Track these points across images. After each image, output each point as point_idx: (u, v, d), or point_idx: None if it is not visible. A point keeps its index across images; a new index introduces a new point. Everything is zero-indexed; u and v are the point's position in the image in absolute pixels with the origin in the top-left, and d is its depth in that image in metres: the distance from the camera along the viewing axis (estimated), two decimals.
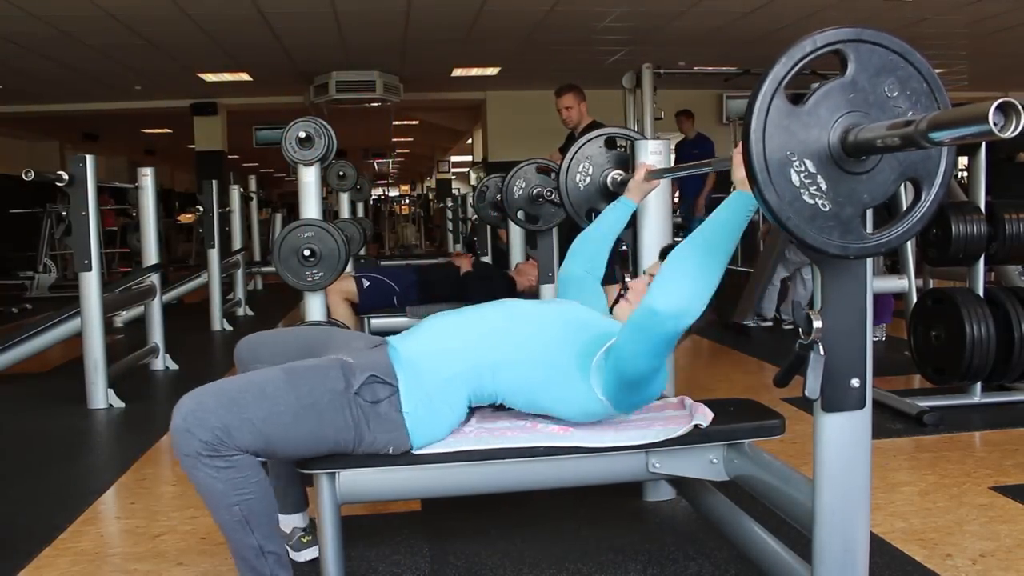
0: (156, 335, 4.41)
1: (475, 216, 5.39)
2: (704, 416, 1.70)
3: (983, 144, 2.99)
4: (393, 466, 1.60)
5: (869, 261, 1.31)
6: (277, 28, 7.33)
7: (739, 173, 1.38)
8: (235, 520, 1.46)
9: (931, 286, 3.79)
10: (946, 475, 2.42)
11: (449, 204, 9.81)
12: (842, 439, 1.37)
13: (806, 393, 1.29)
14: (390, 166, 21.63)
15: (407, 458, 1.59)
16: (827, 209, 1.15)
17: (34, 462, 2.82)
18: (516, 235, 4.42)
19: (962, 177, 5.51)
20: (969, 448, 2.72)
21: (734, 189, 1.47)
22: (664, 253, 1.81)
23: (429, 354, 1.64)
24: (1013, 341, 3.00)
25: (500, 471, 1.65)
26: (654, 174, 2.02)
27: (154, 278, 4.40)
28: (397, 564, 1.90)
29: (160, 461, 2.80)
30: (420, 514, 2.20)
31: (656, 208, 2.19)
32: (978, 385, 3.16)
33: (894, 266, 4.57)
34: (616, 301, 1.89)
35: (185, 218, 13.82)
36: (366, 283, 3.97)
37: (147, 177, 4.45)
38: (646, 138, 2.18)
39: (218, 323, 6.01)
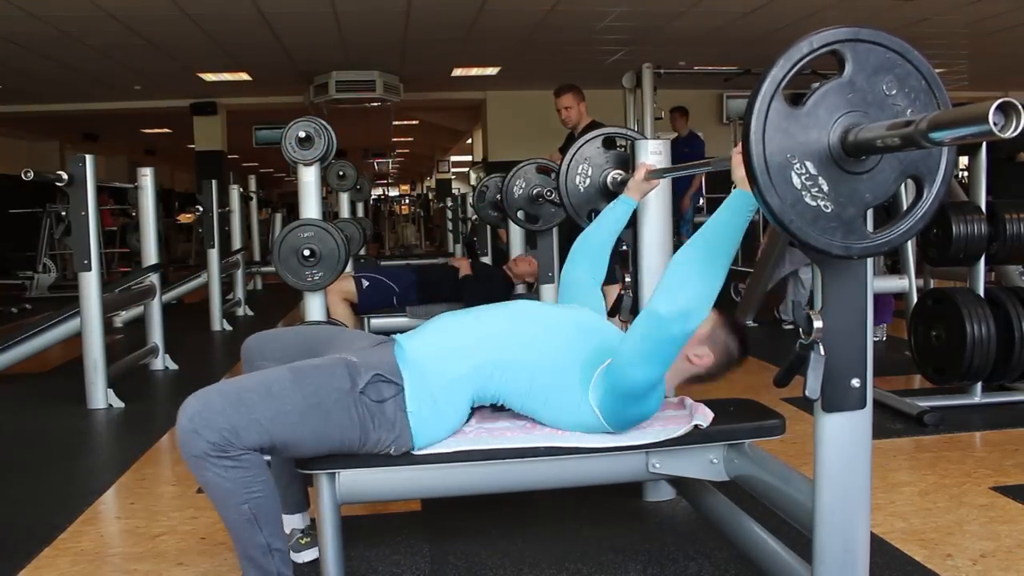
0: (156, 335, 4.41)
1: (475, 216, 5.38)
2: (704, 416, 1.70)
3: (983, 144, 2.99)
4: (393, 466, 1.60)
5: (869, 261, 1.31)
6: (277, 28, 7.32)
7: (739, 172, 1.38)
8: (244, 519, 1.47)
9: (931, 286, 3.79)
10: (946, 475, 2.42)
11: (449, 204, 9.80)
12: (842, 439, 1.37)
13: (806, 393, 1.29)
14: (390, 166, 21.62)
15: (407, 458, 1.59)
16: (829, 210, 1.15)
17: (34, 462, 2.82)
18: (516, 235, 4.42)
19: (963, 177, 5.50)
20: (969, 448, 2.72)
21: (734, 187, 1.46)
22: None
23: (436, 354, 1.63)
24: (1013, 341, 3.00)
25: (500, 471, 1.65)
26: (654, 174, 2.02)
27: (154, 278, 4.40)
28: (397, 564, 1.90)
29: (160, 461, 2.80)
30: (420, 514, 2.20)
31: (656, 207, 2.18)
32: (978, 385, 3.15)
33: (894, 266, 4.57)
34: (616, 302, 1.89)
35: (185, 218, 13.83)
36: (365, 283, 3.98)
37: (147, 177, 4.44)
38: (646, 138, 2.18)
39: (218, 323, 6.01)
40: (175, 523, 2.19)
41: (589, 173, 2.32)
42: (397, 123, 14.56)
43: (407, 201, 21.77)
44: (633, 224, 2.16)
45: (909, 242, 3.78)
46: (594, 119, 4.77)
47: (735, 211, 1.44)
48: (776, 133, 1.12)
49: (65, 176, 3.51)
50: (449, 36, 7.91)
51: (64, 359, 4.68)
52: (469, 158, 18.62)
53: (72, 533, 2.13)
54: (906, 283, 3.76)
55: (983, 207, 3.09)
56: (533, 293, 4.07)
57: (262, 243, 9.89)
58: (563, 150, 2.94)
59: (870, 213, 1.25)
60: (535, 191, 3.33)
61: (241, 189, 7.70)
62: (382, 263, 7.09)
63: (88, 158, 3.55)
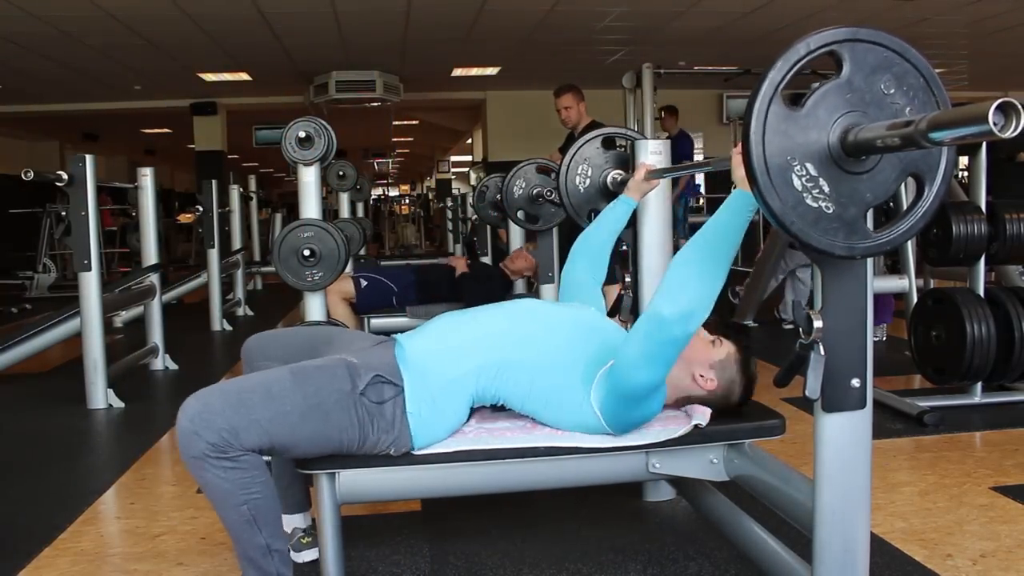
0: (156, 335, 4.41)
1: (475, 216, 5.38)
2: (703, 415, 1.69)
3: (983, 144, 2.99)
4: (393, 466, 1.60)
5: (870, 261, 1.31)
6: (277, 28, 7.32)
7: (739, 172, 1.38)
8: (243, 519, 1.47)
9: (931, 286, 3.79)
10: (946, 475, 2.42)
11: (449, 204, 9.80)
12: (842, 439, 1.37)
13: (806, 393, 1.29)
14: (390, 166, 21.62)
15: (407, 458, 1.59)
16: (831, 211, 1.15)
17: (34, 462, 2.82)
18: (516, 235, 4.42)
19: (962, 177, 5.50)
20: (969, 448, 2.72)
21: (735, 187, 1.46)
22: None
23: (436, 354, 1.63)
24: (1013, 341, 3.00)
25: (500, 471, 1.65)
26: (654, 174, 2.02)
27: (154, 278, 4.40)
28: (397, 564, 1.90)
29: (160, 461, 2.80)
30: (420, 514, 2.20)
31: (656, 207, 2.18)
32: (978, 385, 3.15)
33: (894, 266, 4.57)
34: (616, 302, 1.88)
35: (185, 218, 13.83)
36: (363, 283, 3.97)
37: (147, 177, 4.45)
38: (646, 138, 2.18)
39: (218, 323, 6.01)
40: (175, 523, 2.19)
41: (589, 173, 2.32)
42: (397, 123, 14.56)
43: (407, 201, 21.77)
44: (633, 224, 2.16)
45: (909, 242, 3.78)
46: (594, 119, 4.77)
47: (735, 211, 1.44)
48: (776, 135, 1.12)
49: (65, 176, 3.51)
50: (449, 36, 7.91)
51: (64, 359, 4.68)
52: (469, 158, 18.62)
53: (72, 533, 2.14)
54: (906, 283, 3.76)
55: (983, 207, 3.09)
56: (533, 292, 4.07)
57: (262, 243, 9.89)
58: (563, 150, 2.94)
59: (870, 212, 1.25)
60: (535, 191, 3.34)
61: (241, 189, 7.70)
62: (382, 263, 7.08)
63: (88, 158, 3.55)
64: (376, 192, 22.49)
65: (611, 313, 2.13)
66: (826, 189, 1.15)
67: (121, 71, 8.91)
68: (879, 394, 3.18)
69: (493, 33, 7.79)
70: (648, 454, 1.70)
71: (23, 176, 3.45)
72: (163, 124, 13.57)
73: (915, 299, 3.50)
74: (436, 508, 2.22)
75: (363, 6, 6.74)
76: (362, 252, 6.16)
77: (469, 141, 16.78)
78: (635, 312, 2.20)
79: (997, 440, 2.79)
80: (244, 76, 9.60)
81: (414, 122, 15.11)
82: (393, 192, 24.54)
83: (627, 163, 2.25)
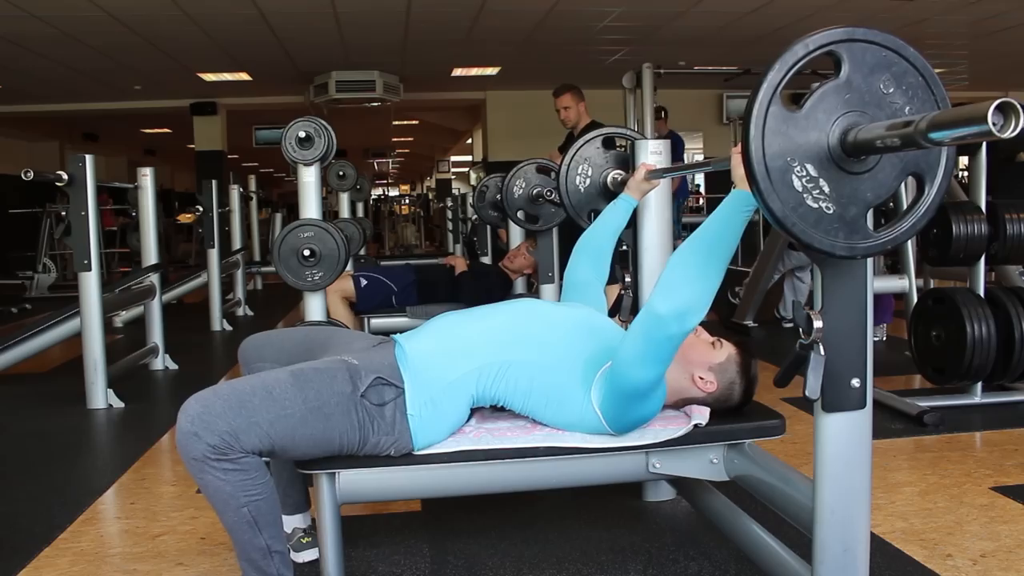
0: (156, 335, 4.41)
1: (475, 216, 5.38)
2: (702, 415, 1.69)
3: (983, 144, 3.00)
4: (393, 466, 1.60)
5: (870, 261, 1.31)
6: (277, 28, 7.32)
7: (739, 171, 1.38)
8: (244, 521, 1.47)
9: (931, 286, 3.79)
10: (946, 475, 2.42)
11: (449, 204, 9.80)
12: (842, 439, 1.37)
13: (806, 393, 1.29)
14: (390, 166, 21.64)
15: (407, 458, 1.59)
16: (831, 211, 1.15)
17: (34, 462, 2.82)
18: (516, 235, 4.42)
19: (963, 177, 5.49)
20: (969, 448, 2.72)
21: (734, 187, 1.47)
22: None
23: (437, 355, 1.63)
24: (1013, 341, 3.00)
25: (500, 471, 1.65)
26: (654, 174, 2.02)
27: (154, 278, 4.40)
28: (397, 564, 1.90)
29: (160, 461, 2.80)
30: (420, 514, 2.20)
31: (656, 207, 2.18)
32: (978, 385, 3.16)
33: (894, 266, 4.57)
34: (616, 302, 1.88)
35: (185, 218, 13.82)
36: (364, 282, 3.97)
37: (147, 177, 4.45)
38: (646, 138, 2.18)
39: (218, 323, 6.00)
40: (175, 523, 2.19)
41: (589, 173, 2.32)
42: (397, 123, 14.56)
43: (407, 201, 21.78)
44: (633, 224, 2.16)
45: (909, 242, 3.78)
46: (594, 119, 4.77)
47: (734, 210, 1.44)
48: (775, 137, 1.12)
49: (65, 176, 3.51)
50: (449, 36, 7.91)
51: (64, 359, 4.68)
52: (469, 158, 18.63)
53: (72, 533, 2.14)
54: (906, 283, 3.76)
55: (983, 207, 3.09)
56: (533, 292, 4.07)
57: (262, 243, 9.89)
58: (562, 150, 2.95)
59: (871, 212, 1.25)
60: (535, 191, 3.34)
61: (241, 189, 7.70)
62: (382, 263, 7.08)
63: (88, 158, 3.55)
64: (376, 192, 22.51)
65: (611, 313, 2.13)
66: (826, 189, 1.15)
67: (121, 71, 8.91)
68: (879, 394, 3.18)
69: (493, 33, 7.79)
70: (648, 454, 1.70)
71: (23, 176, 3.45)
72: (163, 124, 13.57)
73: (915, 299, 3.50)
74: (436, 508, 2.22)
75: (363, 6, 6.74)
76: (362, 252, 6.15)
77: (469, 141, 16.79)
78: (635, 312, 2.20)
79: (997, 440, 2.79)
80: (244, 76, 9.60)
81: (414, 122, 15.11)
82: (393, 192, 24.55)
83: (627, 163, 2.25)
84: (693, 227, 1.61)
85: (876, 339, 4.57)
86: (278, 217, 10.17)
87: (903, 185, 1.66)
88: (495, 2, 6.72)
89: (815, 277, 1.34)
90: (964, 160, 3.80)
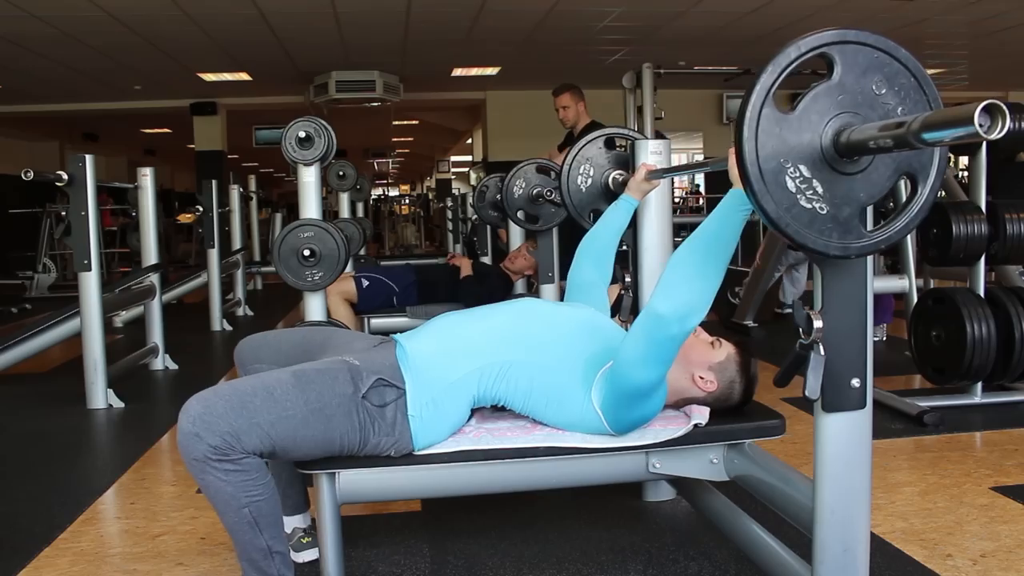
0: (156, 335, 4.41)
1: (475, 216, 5.38)
2: (702, 414, 1.69)
3: (983, 144, 3.00)
4: (393, 466, 1.60)
5: (869, 261, 1.31)
6: (277, 28, 7.32)
7: (735, 171, 1.38)
8: (244, 522, 1.47)
9: (931, 286, 3.79)
10: (946, 475, 2.42)
11: (449, 204, 9.80)
12: (842, 439, 1.37)
13: (806, 393, 1.29)
14: (390, 166, 21.64)
15: (407, 458, 1.59)
16: (825, 212, 1.16)
17: (34, 462, 2.82)
18: (516, 235, 4.42)
19: (963, 177, 5.48)
20: (969, 448, 2.72)
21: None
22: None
23: (438, 355, 1.63)
24: (1013, 341, 3.00)
25: (500, 471, 1.65)
26: (654, 174, 2.02)
27: (154, 278, 4.40)
28: (397, 564, 1.90)
29: (160, 461, 2.80)
30: (420, 514, 2.20)
31: (656, 208, 2.18)
32: (978, 385, 3.16)
33: (894, 266, 4.57)
34: (617, 302, 1.88)
35: (185, 218, 13.82)
36: (365, 283, 3.97)
37: (147, 177, 4.45)
38: (646, 138, 2.18)
39: (218, 323, 6.01)
40: (175, 523, 2.19)
41: (591, 173, 2.32)
42: (397, 123, 14.56)
43: (407, 201, 21.78)
44: (633, 224, 2.16)
45: (909, 242, 3.78)
46: (594, 119, 4.77)
47: (732, 209, 1.44)
48: (768, 138, 1.13)
49: (65, 176, 3.51)
50: (449, 36, 7.91)
51: (64, 359, 4.69)
52: (469, 158, 18.62)
53: (72, 533, 2.14)
54: (906, 283, 3.76)
55: (983, 207, 3.09)
56: (533, 292, 4.07)
57: (262, 243, 9.89)
58: (562, 149, 2.95)
59: (870, 211, 1.25)
60: (535, 191, 3.33)
61: (241, 189, 7.70)
62: (382, 263, 7.09)
63: (88, 158, 3.55)
64: (376, 192, 22.50)
65: (611, 313, 2.13)
66: (820, 190, 1.15)
67: (121, 71, 8.91)
68: (879, 394, 3.18)
69: (493, 33, 7.79)
70: (648, 454, 1.70)
71: (23, 176, 3.45)
72: (163, 124, 13.57)
73: (915, 299, 3.50)
74: (436, 508, 2.22)
75: (363, 6, 6.74)
76: (362, 252, 6.16)
77: (469, 141, 16.78)
78: (635, 312, 2.20)
79: (997, 440, 2.79)
80: (244, 76, 9.60)
81: (414, 122, 15.11)
82: (393, 192, 24.55)
83: (627, 163, 2.25)
84: (691, 227, 1.61)
85: (876, 339, 4.57)
86: (278, 217, 10.17)
87: (903, 185, 1.66)
88: (495, 2, 6.72)
89: (815, 277, 1.35)
90: (964, 160, 3.80)
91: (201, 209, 6.28)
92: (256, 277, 9.06)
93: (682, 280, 1.46)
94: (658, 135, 7.53)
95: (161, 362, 4.39)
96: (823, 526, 1.40)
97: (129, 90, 10.16)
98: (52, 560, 1.97)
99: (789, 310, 4.74)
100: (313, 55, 8.59)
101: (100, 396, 3.53)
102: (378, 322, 3.95)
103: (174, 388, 4.00)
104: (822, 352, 1.29)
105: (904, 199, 1.27)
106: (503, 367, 1.62)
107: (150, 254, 4.48)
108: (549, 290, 3.48)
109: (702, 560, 1.87)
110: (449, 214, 9.59)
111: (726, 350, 1.72)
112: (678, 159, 2.87)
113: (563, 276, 2.29)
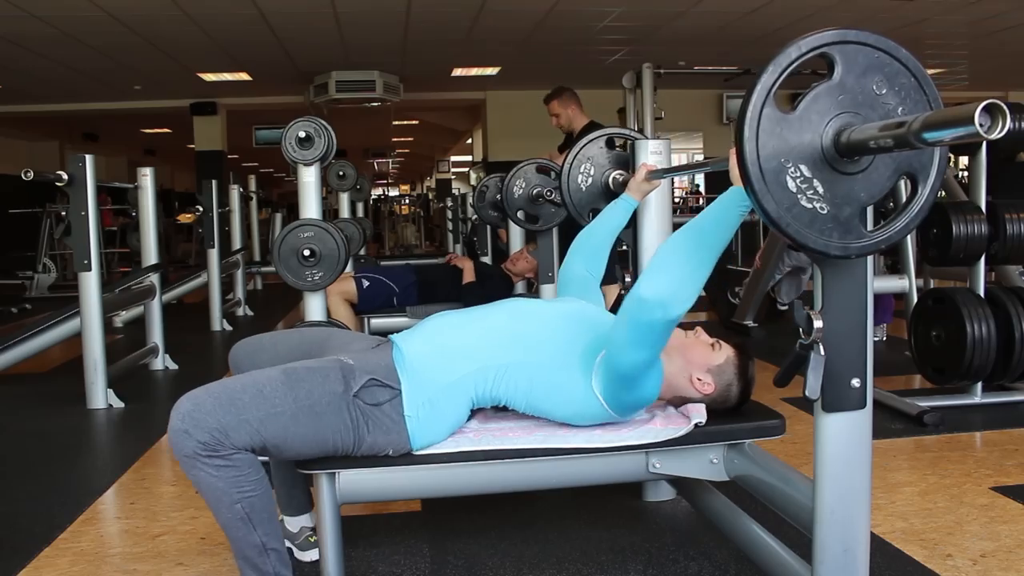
0: (156, 335, 4.41)
1: (475, 216, 5.38)
2: (700, 413, 1.69)
3: (983, 144, 3.00)
4: (393, 466, 1.60)
5: (870, 261, 1.31)
6: (277, 28, 7.33)
7: (736, 171, 1.38)
8: (237, 518, 1.47)
9: (931, 286, 3.79)
10: (946, 475, 2.42)
11: (449, 204, 9.80)
12: (842, 439, 1.37)
13: (806, 393, 1.29)
14: (390, 166, 21.64)
15: (407, 459, 1.59)
16: (825, 212, 1.16)
17: (34, 462, 2.82)
18: (516, 235, 4.42)
19: (963, 177, 5.49)
20: (969, 448, 2.72)
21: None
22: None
23: (434, 355, 1.63)
24: (1014, 341, 3.00)
25: (500, 471, 1.65)
26: (655, 174, 2.02)
27: (154, 278, 4.40)
28: (397, 564, 1.90)
29: (160, 461, 2.80)
30: (420, 514, 2.20)
31: (657, 207, 2.18)
32: (979, 385, 3.16)
33: (895, 266, 4.57)
34: (617, 302, 1.88)
35: (185, 218, 13.82)
36: (365, 283, 3.97)
37: (147, 177, 4.45)
38: (646, 138, 2.18)
39: (218, 323, 6.01)
40: (175, 523, 2.19)
41: (591, 173, 2.32)
42: (397, 123, 14.56)
43: (407, 201, 21.78)
44: (633, 224, 2.16)
45: (909, 242, 3.78)
46: (593, 120, 4.76)
47: (730, 204, 1.44)
48: (769, 138, 1.13)
49: (65, 176, 3.51)
50: (449, 36, 7.91)
51: (64, 359, 4.68)
52: (469, 158, 18.63)
53: (72, 533, 2.14)
54: (906, 283, 3.76)
55: (983, 207, 3.09)
56: (533, 292, 4.07)
57: (262, 243, 9.89)
58: (561, 150, 2.94)
59: (870, 211, 1.25)
60: (535, 191, 3.33)
61: (241, 189, 7.70)
62: (382, 263, 7.08)
63: (88, 158, 3.55)
64: (376, 192, 22.51)
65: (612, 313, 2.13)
66: (820, 190, 1.15)
67: (121, 71, 8.92)
68: (879, 394, 3.18)
69: (493, 33, 7.79)
70: (648, 454, 1.70)
71: (23, 176, 3.45)
72: (163, 124, 13.58)
73: (915, 299, 3.50)
74: (436, 508, 2.22)
75: (363, 6, 6.74)
76: (362, 252, 6.16)
77: (469, 141, 16.79)
78: None
79: (997, 440, 2.79)
80: (244, 76, 9.60)
81: (414, 122, 15.11)
82: (393, 192, 24.55)
83: (628, 163, 2.25)
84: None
85: (876, 339, 4.57)
86: (278, 217, 10.17)
87: (902, 184, 1.66)
88: (495, 2, 6.72)
89: (815, 276, 1.35)
90: (964, 160, 3.80)
91: (201, 209, 6.28)
92: (256, 277, 9.07)
93: (668, 267, 1.45)
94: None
95: (161, 362, 4.39)
96: (823, 526, 1.40)
97: (129, 90, 10.17)
98: (52, 560, 1.97)
99: (785, 307, 4.75)
100: (313, 55, 8.59)
101: (100, 396, 3.53)
102: (378, 322, 3.95)
103: (174, 388, 4.00)
104: (822, 352, 1.29)
105: (904, 199, 1.27)
106: (501, 369, 1.62)
107: (150, 254, 4.48)
108: (549, 290, 3.47)
109: (702, 560, 1.87)
110: (449, 214, 9.59)
111: (726, 353, 1.72)
112: (678, 159, 2.87)
113: None
